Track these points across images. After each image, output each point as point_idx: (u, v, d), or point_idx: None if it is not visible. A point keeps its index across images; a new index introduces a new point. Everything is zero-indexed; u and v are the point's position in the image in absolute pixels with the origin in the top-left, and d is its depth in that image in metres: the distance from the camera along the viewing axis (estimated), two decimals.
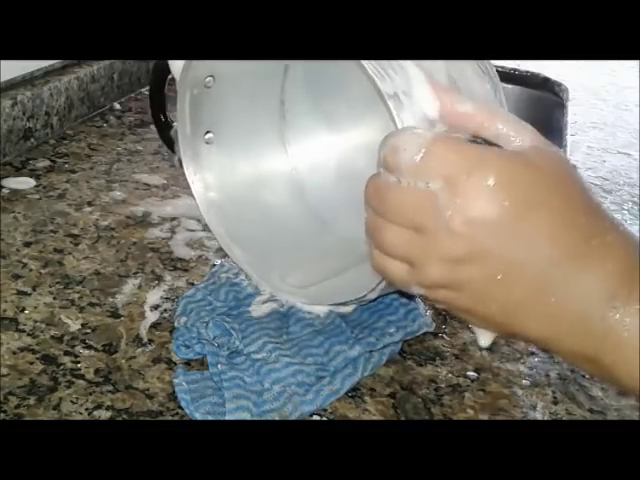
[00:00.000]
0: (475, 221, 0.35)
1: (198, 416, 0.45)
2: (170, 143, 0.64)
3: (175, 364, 0.51)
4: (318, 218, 0.64)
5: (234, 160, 0.62)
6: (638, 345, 0.34)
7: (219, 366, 0.49)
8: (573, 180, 0.37)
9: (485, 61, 0.48)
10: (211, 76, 0.56)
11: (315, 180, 0.65)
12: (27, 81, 0.83)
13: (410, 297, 0.58)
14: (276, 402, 0.46)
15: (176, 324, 0.53)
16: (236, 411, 0.45)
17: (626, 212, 0.84)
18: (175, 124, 0.61)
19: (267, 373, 0.48)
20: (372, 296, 0.49)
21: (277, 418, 0.46)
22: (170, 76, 0.60)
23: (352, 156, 0.63)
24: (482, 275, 0.36)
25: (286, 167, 0.65)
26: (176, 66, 0.56)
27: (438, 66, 0.43)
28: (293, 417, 0.46)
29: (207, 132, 0.59)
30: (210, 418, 0.45)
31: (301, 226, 0.63)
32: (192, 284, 0.60)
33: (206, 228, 0.69)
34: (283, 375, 0.48)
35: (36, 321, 0.53)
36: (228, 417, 0.45)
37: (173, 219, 0.70)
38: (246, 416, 0.45)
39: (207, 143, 0.59)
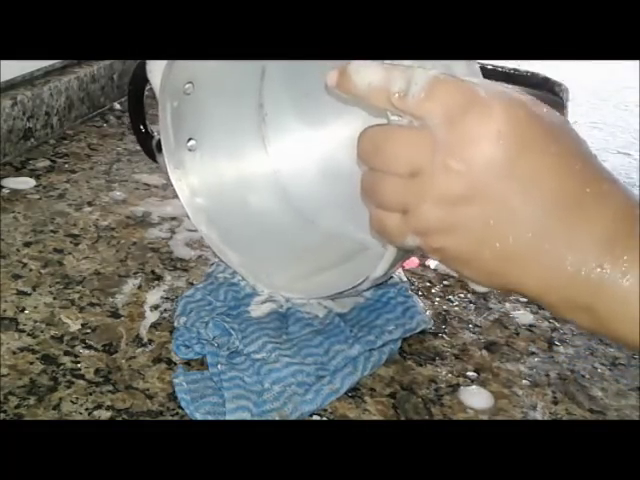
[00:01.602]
0: (471, 159, 0.35)
1: (198, 416, 0.45)
2: (152, 154, 0.64)
3: (175, 364, 0.51)
4: (304, 217, 0.64)
5: (218, 164, 0.62)
6: (636, 295, 0.34)
7: (219, 366, 0.49)
8: (569, 130, 0.37)
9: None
10: (190, 83, 0.56)
11: (299, 179, 0.65)
12: (27, 81, 0.83)
13: (408, 295, 0.58)
14: (276, 402, 0.46)
15: (176, 324, 0.53)
16: (236, 411, 0.45)
17: None
18: (156, 134, 0.62)
19: (267, 373, 0.48)
20: (365, 286, 0.50)
21: (277, 418, 0.46)
22: (148, 87, 0.60)
23: (336, 153, 0.64)
24: (477, 217, 0.36)
25: (270, 168, 0.65)
26: (154, 77, 0.56)
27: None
28: (293, 417, 0.46)
29: (189, 139, 0.59)
30: (210, 418, 0.45)
31: (288, 226, 0.63)
32: (192, 284, 0.60)
33: None
34: (283, 375, 0.48)
35: (36, 321, 0.53)
36: (228, 417, 0.45)
37: (173, 219, 0.70)
38: (246, 416, 0.45)
39: (190, 150, 0.60)
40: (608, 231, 0.35)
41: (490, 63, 1.30)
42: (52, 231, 0.66)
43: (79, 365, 0.50)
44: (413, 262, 0.66)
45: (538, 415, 0.50)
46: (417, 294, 0.60)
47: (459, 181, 0.36)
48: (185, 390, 0.47)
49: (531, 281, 0.37)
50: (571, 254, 0.35)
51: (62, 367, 0.49)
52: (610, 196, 0.36)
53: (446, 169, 0.36)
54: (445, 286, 0.63)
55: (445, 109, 0.36)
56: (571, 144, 0.37)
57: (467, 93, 0.36)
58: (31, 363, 0.49)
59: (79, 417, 0.45)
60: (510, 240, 0.36)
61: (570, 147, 0.37)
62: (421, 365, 0.54)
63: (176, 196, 0.59)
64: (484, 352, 0.56)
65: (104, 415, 0.45)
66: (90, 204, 0.72)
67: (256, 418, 0.45)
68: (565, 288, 0.36)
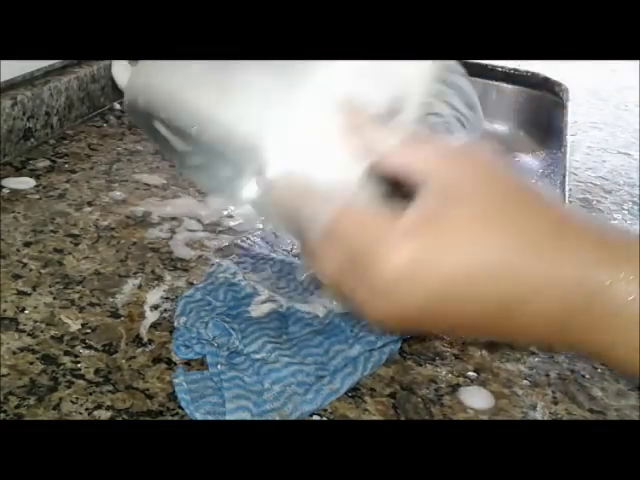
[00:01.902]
0: (379, 293, 0.35)
1: (198, 416, 0.45)
2: None
3: (175, 364, 0.51)
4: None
5: None
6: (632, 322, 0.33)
7: (219, 366, 0.49)
8: (494, 211, 0.35)
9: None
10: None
11: None
12: (27, 81, 0.83)
13: None
14: (276, 402, 0.46)
15: (176, 324, 0.53)
16: (236, 411, 0.45)
17: (626, 212, 0.84)
18: None
19: (267, 373, 0.48)
20: None
21: (277, 418, 0.46)
22: None
23: None
24: (412, 326, 0.37)
25: None
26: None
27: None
28: (293, 417, 0.46)
29: None
30: (210, 418, 0.45)
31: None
32: (192, 284, 0.60)
33: (206, 228, 0.69)
34: (283, 375, 0.48)
35: (36, 321, 0.53)
36: (228, 417, 0.45)
37: (173, 219, 0.70)
38: (246, 416, 0.45)
39: None
40: (571, 288, 0.34)
41: (490, 63, 1.30)
42: (52, 231, 0.66)
43: (79, 365, 0.50)
44: None
45: (538, 415, 0.50)
46: None
47: (379, 316, 0.36)
48: (185, 390, 0.47)
49: (510, 339, 0.37)
50: (537, 330, 0.35)
51: (62, 367, 0.49)
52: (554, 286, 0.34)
53: (365, 306, 0.36)
54: None
55: (348, 247, 0.36)
56: (488, 237, 0.34)
57: (364, 232, 0.36)
58: (31, 363, 0.49)
59: (79, 417, 0.45)
60: (471, 326, 0.36)
61: (489, 243, 0.34)
62: (421, 365, 0.54)
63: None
64: (484, 352, 0.56)
65: (104, 415, 0.45)
66: (90, 204, 0.72)
67: (256, 418, 0.45)
68: (548, 342, 0.36)
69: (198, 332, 0.51)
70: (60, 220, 0.68)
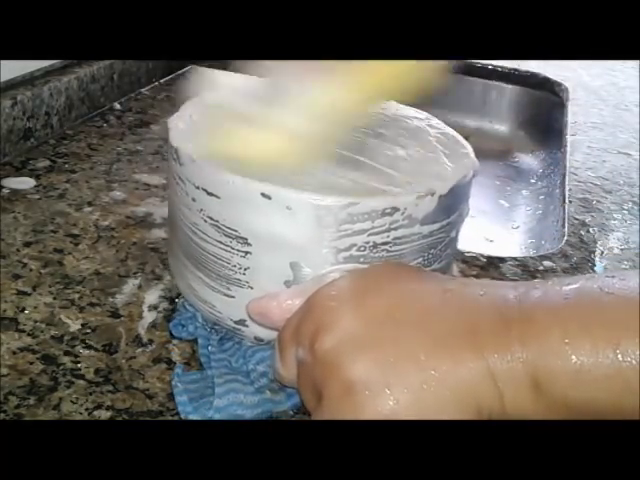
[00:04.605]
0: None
1: (195, 417, 0.45)
2: None
3: (175, 364, 0.51)
4: None
5: None
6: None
7: (209, 347, 0.50)
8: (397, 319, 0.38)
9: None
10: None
11: None
12: (27, 81, 0.83)
13: None
14: (263, 379, 0.47)
15: (178, 306, 0.54)
16: (224, 384, 0.46)
17: (626, 212, 0.84)
18: None
19: (251, 355, 0.49)
20: None
21: (268, 394, 0.47)
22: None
23: None
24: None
25: None
26: None
27: None
28: (282, 394, 0.47)
29: None
30: (209, 417, 0.45)
31: None
32: None
33: None
34: (267, 355, 0.48)
35: (36, 321, 0.53)
36: (217, 390, 0.46)
37: None
38: (236, 386, 0.46)
39: None
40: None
41: (490, 63, 1.30)
42: (52, 231, 0.66)
43: (79, 365, 0.50)
44: None
45: None
46: None
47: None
48: (181, 391, 0.47)
49: None
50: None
51: (62, 367, 0.49)
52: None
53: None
54: None
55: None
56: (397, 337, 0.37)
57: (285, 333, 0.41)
58: (31, 363, 0.49)
59: (79, 417, 0.45)
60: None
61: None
62: None
63: None
64: None
65: (104, 415, 0.45)
66: (90, 204, 0.72)
67: (249, 397, 0.46)
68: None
69: (194, 314, 0.52)
70: (60, 220, 0.68)
